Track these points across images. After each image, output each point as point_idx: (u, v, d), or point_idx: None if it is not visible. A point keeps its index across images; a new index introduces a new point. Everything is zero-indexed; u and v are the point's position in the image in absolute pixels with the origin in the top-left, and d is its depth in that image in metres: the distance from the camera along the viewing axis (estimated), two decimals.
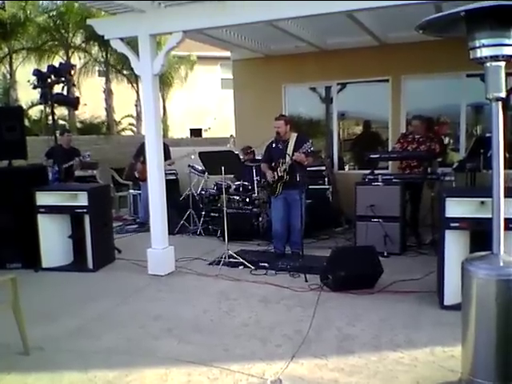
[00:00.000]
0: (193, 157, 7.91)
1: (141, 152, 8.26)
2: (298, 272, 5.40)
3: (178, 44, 5.39)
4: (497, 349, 2.57)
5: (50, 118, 6.72)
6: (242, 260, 5.76)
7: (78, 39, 17.92)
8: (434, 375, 3.12)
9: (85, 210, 5.76)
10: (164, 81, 19.73)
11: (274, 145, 6.07)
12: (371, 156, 6.84)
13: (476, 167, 6.29)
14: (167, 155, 7.39)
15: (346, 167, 9.35)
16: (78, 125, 19.91)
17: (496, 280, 2.56)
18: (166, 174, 6.01)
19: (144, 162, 8.12)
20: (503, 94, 2.59)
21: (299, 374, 3.20)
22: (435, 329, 3.85)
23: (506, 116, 2.77)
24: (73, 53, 18.00)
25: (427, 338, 3.66)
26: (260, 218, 7.32)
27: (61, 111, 16.46)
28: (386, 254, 5.88)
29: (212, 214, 7.94)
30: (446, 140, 8.49)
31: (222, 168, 5.84)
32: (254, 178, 7.48)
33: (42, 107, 15.49)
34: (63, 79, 6.33)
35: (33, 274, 5.72)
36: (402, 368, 3.25)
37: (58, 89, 6.41)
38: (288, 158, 5.77)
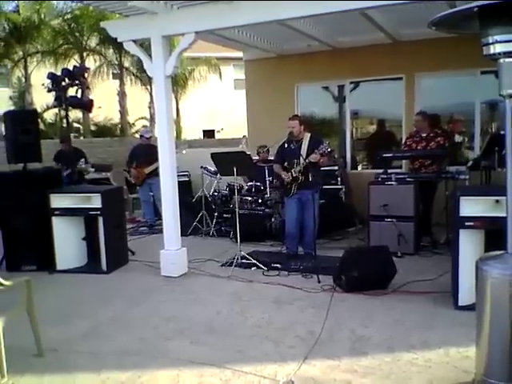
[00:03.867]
0: (184, 152, 7.95)
1: (133, 157, 8.38)
2: (311, 273, 5.37)
3: (191, 45, 5.41)
4: (511, 349, 2.52)
5: (65, 121, 6.78)
6: (254, 261, 5.75)
7: (92, 42, 18.10)
8: (447, 376, 3.08)
9: (98, 212, 5.80)
10: (177, 82, 19.81)
11: (286, 145, 6.06)
12: (384, 155, 6.80)
13: (491, 165, 6.22)
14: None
15: (359, 167, 9.29)
16: (92, 127, 20.13)
17: (511, 280, 2.51)
18: (178, 175, 6.03)
19: (137, 167, 8.26)
20: None
21: (311, 376, 3.18)
22: (449, 329, 3.80)
23: None
24: (87, 55, 18.20)
25: (441, 339, 3.61)
26: (272, 219, 7.30)
27: (75, 114, 16.64)
28: (399, 254, 5.82)
29: (225, 215, 7.95)
30: (461, 138, 8.42)
31: (235, 169, 5.84)
32: (267, 179, 7.47)
33: (56, 110, 15.64)
34: (77, 82, 6.38)
35: (47, 276, 5.77)
36: (415, 369, 3.21)
37: (72, 92, 6.46)
38: (302, 160, 5.74)
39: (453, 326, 3.86)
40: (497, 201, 4.01)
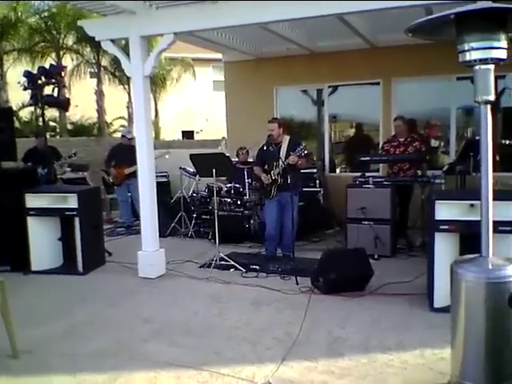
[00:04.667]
0: (167, 157, 7.93)
1: (112, 156, 8.31)
2: (289, 275, 5.39)
3: (169, 46, 5.39)
4: (486, 351, 2.58)
5: (41, 119, 6.68)
6: (233, 263, 5.75)
7: (69, 40, 17.87)
8: (423, 378, 3.13)
9: (75, 213, 5.73)
10: (156, 82, 19.70)
11: (266, 148, 6.08)
12: (362, 159, 6.86)
13: (466, 170, 6.32)
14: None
15: (338, 170, 9.37)
16: (69, 126, 19.86)
17: (485, 283, 2.56)
18: (156, 176, 6.00)
19: (115, 167, 8.19)
20: (492, 97, 2.60)
21: (289, 377, 3.20)
22: (425, 331, 3.85)
23: (494, 119, 2.77)
24: (64, 54, 17.96)
25: (417, 341, 3.66)
26: (251, 221, 7.31)
27: (51, 113, 16.41)
28: (376, 257, 5.89)
29: (203, 217, 7.92)
30: (437, 143, 8.56)
31: (214, 170, 5.83)
32: (246, 181, 7.47)
33: (32, 109, 15.41)
34: (54, 81, 6.30)
35: (22, 277, 5.67)
36: (391, 370, 3.25)
37: (48, 90, 6.37)
38: (281, 162, 5.77)
39: (428, 327, 3.92)
40: (471, 205, 4.09)
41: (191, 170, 7.95)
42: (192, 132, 24.50)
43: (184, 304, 4.70)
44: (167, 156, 7.95)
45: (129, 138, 8.34)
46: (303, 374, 3.23)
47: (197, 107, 23.46)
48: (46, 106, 6.59)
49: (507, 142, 7.66)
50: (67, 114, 17.36)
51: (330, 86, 8.86)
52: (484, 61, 2.52)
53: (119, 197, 8.59)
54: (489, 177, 2.63)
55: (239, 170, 7.48)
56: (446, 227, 4.20)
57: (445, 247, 4.21)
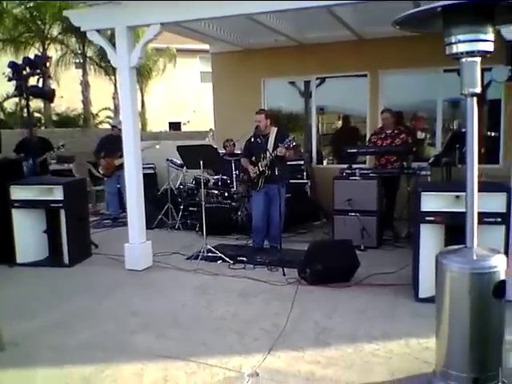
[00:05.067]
0: (157, 146, 7.89)
1: (101, 148, 8.24)
2: (276, 266, 5.42)
3: (156, 36, 5.35)
4: (470, 341, 2.61)
5: (26, 110, 6.60)
6: (220, 254, 5.76)
7: (54, 31, 17.61)
8: (408, 367, 3.17)
9: (60, 205, 5.68)
10: (142, 73, 19.52)
11: (253, 139, 6.07)
12: (349, 150, 6.89)
13: (451, 162, 6.39)
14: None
15: (325, 161, 9.40)
16: (54, 117, 19.62)
17: (469, 273, 2.60)
18: (143, 167, 5.97)
19: (105, 158, 8.12)
20: (478, 90, 2.61)
21: (276, 367, 3.22)
22: (410, 321, 3.90)
23: (481, 111, 2.80)
24: (49, 44, 17.69)
25: (402, 330, 3.71)
26: (239, 213, 7.32)
27: (36, 104, 16.17)
28: (362, 248, 5.93)
29: (190, 209, 7.90)
30: (423, 135, 8.62)
31: (201, 162, 5.81)
32: (233, 173, 7.46)
33: (17, 100, 15.22)
34: (39, 71, 6.22)
35: (7, 269, 5.62)
36: (377, 360, 3.29)
37: (33, 81, 6.30)
38: (269, 154, 5.77)
39: (413, 317, 3.97)
40: (457, 196, 4.13)
41: (178, 162, 7.92)
42: (179, 123, 24.35)
43: (171, 296, 4.70)
44: (157, 146, 7.90)
45: (119, 128, 8.25)
46: (290, 364, 3.26)
47: (184, 98, 23.29)
48: (31, 97, 6.51)
49: (492, 134, 7.76)
50: (52, 104, 17.11)
51: (317, 78, 8.86)
52: (471, 53, 2.53)
53: (108, 188, 8.50)
54: (474, 169, 2.65)
55: (226, 161, 7.47)
56: (432, 218, 4.24)
57: (430, 238, 4.25)
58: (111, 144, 8.07)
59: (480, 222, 2.76)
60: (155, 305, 4.47)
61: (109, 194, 8.50)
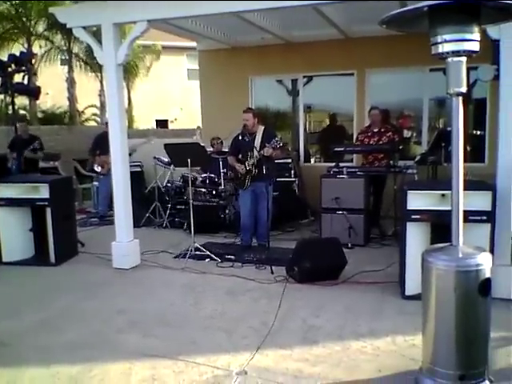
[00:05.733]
0: (153, 142, 7.85)
1: (96, 145, 8.16)
2: (264, 264, 5.42)
3: (143, 33, 5.32)
4: (456, 338, 2.64)
5: (10, 107, 6.54)
6: (208, 253, 5.75)
7: (40, 27, 17.41)
8: (395, 364, 3.19)
9: (46, 203, 5.63)
10: (129, 70, 19.39)
11: (240, 137, 6.07)
12: (336, 149, 6.92)
13: (437, 160, 6.44)
14: None
15: (312, 160, 9.42)
16: (39, 114, 19.42)
17: (455, 271, 2.62)
18: (130, 165, 5.94)
19: (100, 155, 8.04)
20: (464, 89, 2.63)
21: (264, 365, 3.23)
22: (397, 318, 3.93)
23: (466, 110, 2.82)
24: (35, 40, 17.50)
25: (389, 328, 3.74)
26: (227, 211, 7.31)
27: (21, 100, 15.99)
28: (350, 246, 5.96)
29: (178, 207, 7.87)
30: (409, 133, 8.69)
31: (189, 160, 5.79)
32: (221, 171, 7.45)
33: (1, 96, 15.03)
34: (24, 68, 6.17)
35: None
36: (364, 357, 3.31)
37: (18, 78, 6.24)
38: (256, 152, 5.78)
39: (400, 314, 4.00)
40: (443, 195, 4.17)
41: (166, 160, 7.89)
42: (166, 121, 24.25)
43: (159, 294, 4.68)
44: (152, 142, 7.85)
45: None
46: (278, 362, 3.27)
47: (171, 96, 23.21)
48: (16, 94, 6.44)
49: (478, 132, 7.84)
50: (37, 101, 16.93)
51: (304, 76, 8.89)
52: (456, 53, 2.55)
53: (101, 186, 8.32)
54: (460, 167, 2.68)
55: (214, 160, 7.46)
56: (418, 217, 4.28)
57: (416, 236, 4.29)
58: (106, 141, 8.00)
59: (465, 220, 2.78)
60: (143, 303, 4.45)
61: (101, 191, 8.38)
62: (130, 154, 7.89)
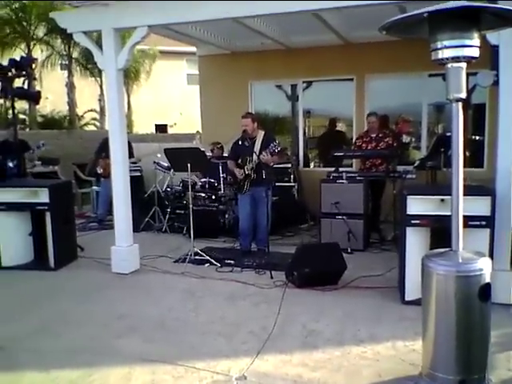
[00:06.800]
0: (159, 155, 7.86)
1: (103, 148, 8.13)
2: (264, 269, 5.42)
3: (143, 39, 5.33)
4: (456, 343, 2.64)
5: (10, 112, 6.55)
6: (207, 257, 5.75)
7: (40, 32, 17.45)
8: (395, 369, 3.19)
9: (46, 207, 5.63)
10: (128, 75, 19.42)
11: (240, 142, 6.09)
12: (335, 154, 6.93)
13: (436, 165, 6.45)
14: (130, 153, 7.27)
15: (312, 164, 9.43)
16: (39, 119, 19.43)
17: (455, 276, 2.63)
18: (130, 170, 5.94)
19: (106, 158, 8.02)
20: (464, 95, 2.65)
21: (264, 371, 3.22)
22: (397, 323, 3.93)
23: (465, 115, 2.83)
24: (35, 45, 17.53)
25: (389, 333, 3.73)
26: (226, 215, 7.31)
27: (21, 105, 15.96)
28: (349, 251, 5.96)
29: (178, 211, 7.88)
30: (408, 138, 8.70)
31: (188, 165, 5.80)
32: (221, 175, 7.46)
33: (1, 101, 15.05)
34: (24, 73, 6.18)
35: None
36: (364, 362, 3.31)
37: (18, 83, 6.25)
38: (255, 157, 5.79)
39: (400, 320, 4.00)
40: (442, 200, 4.17)
41: (165, 165, 7.89)
42: (165, 126, 24.26)
43: (158, 299, 4.68)
44: (159, 155, 7.85)
45: None
46: (278, 367, 3.26)
47: (170, 101, 23.24)
48: (16, 99, 6.45)
49: (477, 137, 7.85)
50: (37, 106, 16.95)
51: (304, 82, 8.91)
52: (456, 59, 2.57)
53: (103, 189, 8.26)
54: (460, 172, 2.69)
55: (214, 164, 7.46)
56: (418, 222, 4.28)
57: (416, 241, 4.29)
58: None
59: (465, 226, 2.79)
60: (142, 308, 4.44)
61: (102, 195, 8.36)
62: (134, 162, 7.97)
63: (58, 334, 3.90)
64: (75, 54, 18.49)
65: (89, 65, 18.18)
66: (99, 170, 8.21)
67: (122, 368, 3.30)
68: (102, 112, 19.96)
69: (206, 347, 3.60)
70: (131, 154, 7.59)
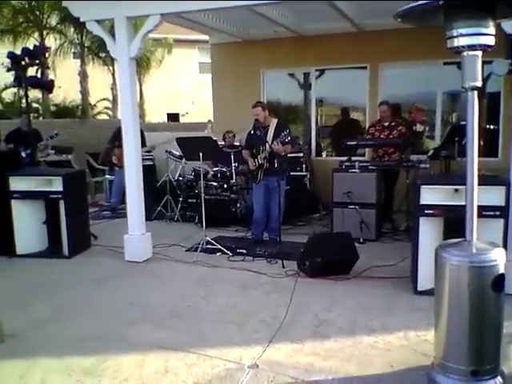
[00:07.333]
0: (173, 143, 7.87)
1: (116, 137, 8.15)
2: (276, 258, 5.43)
3: (156, 27, 5.32)
4: (469, 334, 2.63)
5: (24, 101, 6.59)
6: (219, 246, 5.77)
7: (52, 20, 17.48)
8: (407, 359, 3.19)
9: (60, 196, 5.68)
10: (141, 64, 19.42)
11: (253, 131, 6.07)
12: (348, 143, 6.89)
13: (450, 155, 6.39)
14: (143, 142, 7.29)
15: (324, 154, 9.39)
16: (52, 108, 19.53)
17: (468, 267, 2.61)
18: (142, 159, 5.96)
19: (120, 147, 8.04)
20: (479, 84, 2.61)
21: (276, 359, 3.24)
22: (409, 314, 3.92)
23: (480, 104, 2.79)
24: (47, 34, 17.57)
25: (401, 323, 3.73)
26: (238, 205, 7.32)
27: (34, 94, 16.10)
28: (361, 241, 5.94)
29: (190, 200, 7.90)
30: (422, 127, 8.62)
31: (200, 154, 5.80)
32: (232, 164, 7.46)
33: (15, 90, 15.16)
34: (37, 62, 6.20)
35: (6, 260, 5.62)
36: (376, 352, 3.31)
37: (32, 71, 6.27)
38: (267, 146, 5.76)
39: (412, 310, 3.99)
40: (456, 190, 4.13)
41: (177, 154, 7.90)
42: (177, 114, 24.26)
43: (170, 287, 4.71)
44: (173, 143, 7.88)
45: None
46: (289, 356, 3.28)
47: (182, 89, 23.22)
48: (30, 88, 6.49)
49: (492, 127, 7.76)
50: (50, 95, 17.02)
51: (317, 70, 8.84)
52: (472, 47, 2.53)
53: (117, 178, 8.25)
54: (474, 162, 2.65)
55: (226, 153, 7.46)
56: (431, 212, 4.25)
57: (429, 231, 4.27)
58: None
59: (479, 216, 2.76)
60: (154, 296, 4.48)
61: (115, 184, 8.39)
62: (148, 151, 7.99)
63: (71, 321, 3.95)
64: (88, 43, 18.52)
65: (101, 53, 18.20)
66: (114, 160, 8.23)
67: (135, 355, 3.33)
68: (114, 101, 19.99)
69: (218, 335, 3.62)
70: (143, 143, 7.61)
